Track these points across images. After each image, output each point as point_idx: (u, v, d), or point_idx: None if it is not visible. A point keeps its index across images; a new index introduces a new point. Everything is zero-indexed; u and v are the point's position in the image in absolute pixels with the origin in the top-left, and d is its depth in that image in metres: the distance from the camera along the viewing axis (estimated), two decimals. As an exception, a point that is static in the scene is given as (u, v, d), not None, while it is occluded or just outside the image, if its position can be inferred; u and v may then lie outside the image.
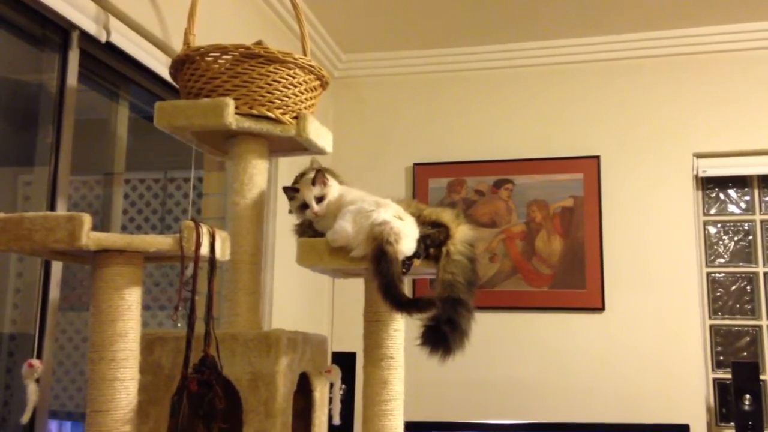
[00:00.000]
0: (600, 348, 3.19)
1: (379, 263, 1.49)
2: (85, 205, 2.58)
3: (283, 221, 2.89)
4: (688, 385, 3.09)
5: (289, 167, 2.95)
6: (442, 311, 1.50)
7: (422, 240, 1.58)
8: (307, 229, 1.70)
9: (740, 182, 3.31)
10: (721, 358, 3.19)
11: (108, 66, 2.12)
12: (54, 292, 1.83)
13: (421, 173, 3.48)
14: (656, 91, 3.32)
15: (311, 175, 1.69)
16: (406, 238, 1.53)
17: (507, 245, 3.35)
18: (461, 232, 1.61)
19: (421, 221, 1.62)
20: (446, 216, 1.64)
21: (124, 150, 2.36)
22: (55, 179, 1.88)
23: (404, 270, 1.54)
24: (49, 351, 1.83)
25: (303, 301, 3.15)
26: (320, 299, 3.25)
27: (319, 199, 1.67)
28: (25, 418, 1.38)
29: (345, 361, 2.18)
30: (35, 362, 1.38)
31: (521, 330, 3.28)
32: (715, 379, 3.17)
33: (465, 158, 3.45)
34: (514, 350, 3.26)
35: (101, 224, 2.34)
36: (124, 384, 1.36)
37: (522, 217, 3.36)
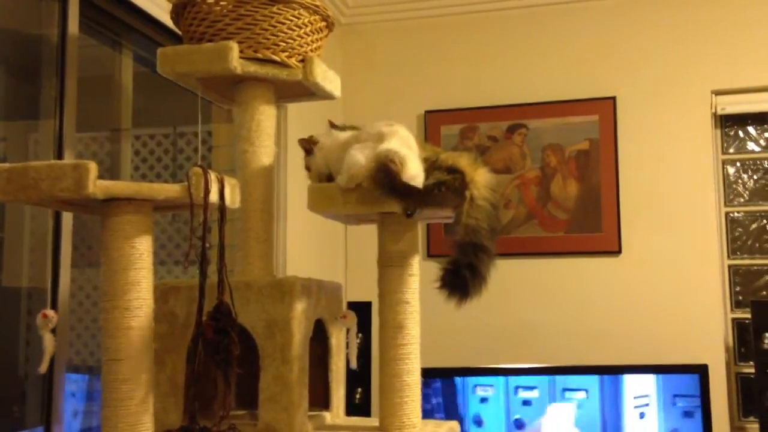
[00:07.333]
0: (618, 291, 3.17)
1: (382, 176, 1.47)
2: (95, 161, 2.56)
3: (294, 169, 2.86)
4: (707, 325, 3.07)
5: (300, 115, 2.91)
6: (463, 255, 1.47)
7: (437, 186, 1.54)
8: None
9: (760, 119, 3.23)
10: (740, 297, 3.16)
11: (110, 14, 2.08)
12: (66, 244, 1.82)
13: (433, 121, 3.42)
14: (672, 26, 3.22)
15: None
16: (411, 162, 1.50)
17: (522, 191, 3.31)
18: (482, 177, 1.55)
19: (437, 166, 1.57)
20: (463, 161, 1.58)
21: (130, 103, 2.33)
22: (61, 132, 1.86)
23: (409, 213, 1.51)
24: (65, 303, 1.83)
25: (316, 251, 3.14)
26: (333, 249, 3.24)
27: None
28: (43, 368, 1.38)
29: (360, 310, 2.17)
30: (49, 312, 1.38)
31: (538, 276, 3.26)
32: (734, 319, 3.15)
33: (477, 104, 3.38)
34: (531, 296, 3.25)
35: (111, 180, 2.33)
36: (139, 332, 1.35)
37: (537, 162, 3.31)
